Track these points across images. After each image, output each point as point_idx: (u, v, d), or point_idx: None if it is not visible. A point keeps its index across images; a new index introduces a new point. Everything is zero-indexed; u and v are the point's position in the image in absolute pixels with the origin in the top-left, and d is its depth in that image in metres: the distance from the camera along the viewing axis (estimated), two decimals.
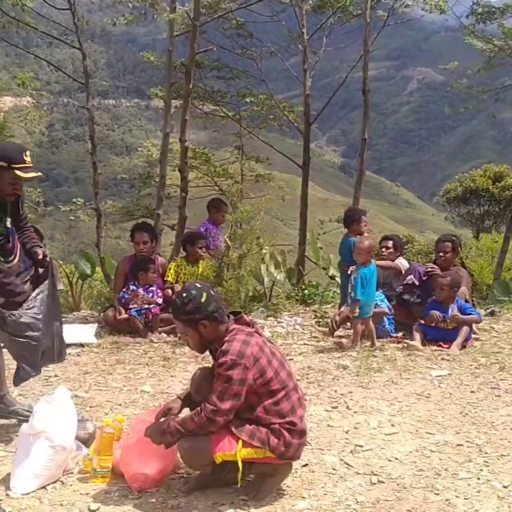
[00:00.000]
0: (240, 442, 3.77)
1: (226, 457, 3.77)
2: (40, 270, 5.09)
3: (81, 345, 7.40)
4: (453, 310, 7.56)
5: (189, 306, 3.87)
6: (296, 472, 4.21)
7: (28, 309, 4.82)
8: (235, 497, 3.89)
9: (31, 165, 4.80)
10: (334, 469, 4.36)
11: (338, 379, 6.34)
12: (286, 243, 14.83)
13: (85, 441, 4.54)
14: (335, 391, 5.97)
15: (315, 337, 7.97)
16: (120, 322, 7.93)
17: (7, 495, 3.89)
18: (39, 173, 4.92)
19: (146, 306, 7.98)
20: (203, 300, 3.87)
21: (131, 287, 8.11)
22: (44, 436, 4.06)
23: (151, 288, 8.12)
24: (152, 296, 8.06)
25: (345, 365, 6.71)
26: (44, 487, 4.01)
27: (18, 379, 4.89)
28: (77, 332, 7.75)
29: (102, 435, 4.19)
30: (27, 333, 4.74)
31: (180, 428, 3.81)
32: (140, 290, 8.01)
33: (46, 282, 5.00)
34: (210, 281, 7.70)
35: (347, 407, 5.57)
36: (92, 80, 12.42)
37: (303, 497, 3.96)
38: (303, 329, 8.36)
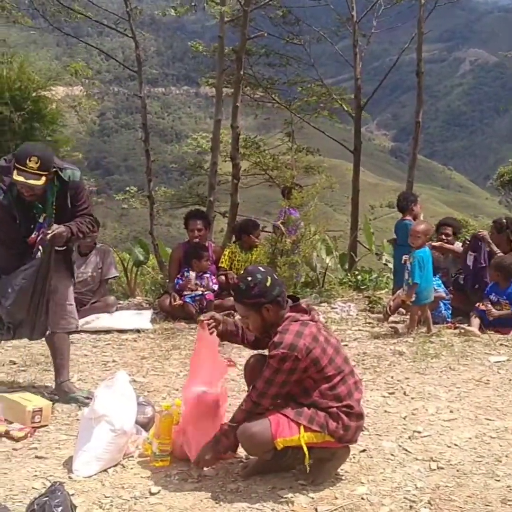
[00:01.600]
0: (302, 427, 3.78)
1: (287, 442, 3.78)
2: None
3: (137, 330, 7.51)
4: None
5: (254, 290, 3.87)
6: (353, 457, 4.20)
7: (9, 278, 5.04)
8: (294, 482, 3.91)
9: (33, 172, 4.82)
10: (392, 454, 4.35)
11: (394, 365, 6.30)
12: (336, 229, 14.77)
13: (145, 425, 4.60)
14: (392, 377, 5.94)
15: (369, 323, 7.93)
16: (174, 308, 8.01)
17: (70, 477, 3.97)
18: (35, 183, 4.87)
19: (200, 292, 8.04)
20: (268, 284, 3.87)
21: (185, 273, 8.18)
22: (105, 420, 4.12)
23: (205, 275, 8.18)
24: (207, 283, 8.12)
25: (401, 351, 6.67)
26: (105, 470, 4.08)
27: None
28: (133, 318, 7.88)
29: (161, 419, 4.24)
30: None
31: (231, 424, 3.88)
32: (192, 275, 8.06)
33: (39, 257, 5.08)
34: None
35: (404, 393, 5.53)
36: (143, 68, 12.48)
37: (362, 483, 3.95)
38: (357, 315, 8.33)
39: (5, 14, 13.94)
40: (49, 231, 4.95)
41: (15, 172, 4.81)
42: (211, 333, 4.14)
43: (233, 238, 9.35)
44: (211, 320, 4.17)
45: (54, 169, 4.97)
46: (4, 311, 5.06)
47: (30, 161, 4.79)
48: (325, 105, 16.49)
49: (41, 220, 5.13)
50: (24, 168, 4.79)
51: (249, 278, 3.91)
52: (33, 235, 5.12)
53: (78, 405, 5.13)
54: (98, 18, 14.47)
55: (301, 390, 3.85)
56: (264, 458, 3.91)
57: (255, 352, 4.40)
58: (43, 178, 4.87)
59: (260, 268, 4.05)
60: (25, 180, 4.81)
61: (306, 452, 3.77)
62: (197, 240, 8.32)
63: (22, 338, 5.41)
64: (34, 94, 10.66)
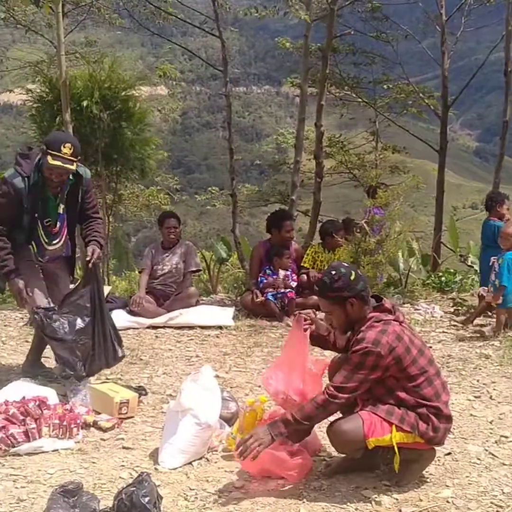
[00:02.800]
0: (394, 426, 3.74)
1: (379, 442, 3.74)
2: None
3: (219, 327, 7.60)
4: None
5: (338, 283, 3.86)
6: (438, 460, 4.13)
7: (64, 313, 5.12)
8: (378, 482, 3.87)
9: (67, 157, 5.01)
10: (478, 459, 4.26)
11: (480, 369, 6.18)
12: (417, 229, 14.54)
13: (228, 420, 4.64)
14: (477, 381, 5.83)
15: (454, 325, 7.78)
16: (256, 305, 8.05)
17: (155, 469, 4.05)
18: (71, 167, 5.07)
19: (282, 290, 8.07)
20: (352, 278, 3.87)
21: (267, 271, 8.22)
22: (190, 414, 4.17)
23: (286, 273, 8.19)
24: (288, 281, 8.13)
25: (488, 354, 6.52)
26: (190, 463, 4.14)
27: (61, 377, 5.17)
28: (215, 314, 7.97)
29: (245, 414, 4.28)
30: (59, 336, 5.06)
31: (295, 415, 3.76)
32: (281, 273, 8.09)
33: (89, 287, 5.20)
34: None
35: (491, 397, 5.42)
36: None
37: (447, 486, 3.88)
38: (441, 317, 8.19)
39: (99, 15, 14.32)
40: (88, 259, 5.19)
41: (49, 157, 4.99)
42: (305, 331, 4.13)
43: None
44: (309, 316, 4.16)
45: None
46: (67, 348, 5.11)
47: (64, 147, 5.00)
48: (413, 104, 16.24)
49: (61, 211, 5.36)
50: (59, 153, 4.99)
51: (333, 272, 3.91)
52: (56, 227, 5.37)
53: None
54: (183, 18, 14.66)
55: (385, 390, 3.81)
56: (353, 456, 3.88)
57: None
58: (75, 164, 5.10)
59: (344, 263, 4.06)
60: (62, 164, 5.02)
61: (397, 453, 3.73)
62: (289, 239, 8.38)
63: (98, 373, 5.46)
64: (123, 93, 10.91)
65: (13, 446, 4.20)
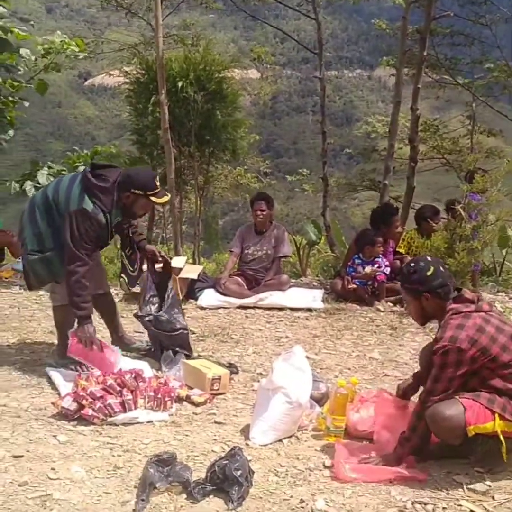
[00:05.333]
0: (497, 415, 3.68)
1: (480, 429, 3.67)
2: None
3: (309, 309, 7.59)
4: None
5: (414, 276, 3.90)
6: None
7: (168, 307, 5.45)
8: (470, 469, 3.80)
9: (160, 189, 5.14)
10: None
11: None
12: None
13: (318, 400, 4.66)
14: None
15: None
16: (347, 291, 8.00)
17: (246, 444, 4.09)
18: (169, 196, 5.29)
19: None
20: (429, 273, 3.86)
21: (356, 260, 8.12)
22: (281, 392, 4.20)
23: (376, 260, 8.07)
24: (379, 266, 8.02)
25: None
26: (280, 440, 4.17)
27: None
28: (305, 297, 7.96)
29: (337, 395, 4.26)
30: (176, 327, 5.40)
31: (407, 436, 3.81)
32: (367, 268, 7.99)
33: (170, 284, 5.60)
34: (441, 252, 7.52)
35: None
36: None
37: None
38: None
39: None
40: (161, 256, 5.56)
41: (153, 198, 5.08)
42: None
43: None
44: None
45: None
46: (187, 333, 5.60)
47: (157, 181, 5.14)
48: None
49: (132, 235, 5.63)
50: (157, 190, 5.09)
51: (412, 264, 3.95)
52: (135, 253, 5.66)
53: (141, 352, 5.65)
54: (279, 0, 14.62)
55: (480, 381, 3.75)
56: (452, 443, 3.81)
57: None
58: None
59: (428, 257, 4.03)
60: (168, 197, 5.24)
61: (503, 440, 3.66)
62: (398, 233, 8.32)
63: None
64: (217, 75, 10.98)
65: (110, 416, 4.32)
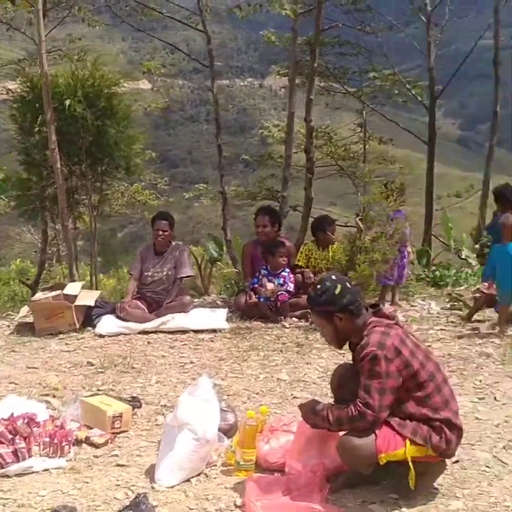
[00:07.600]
0: (408, 441, 3.59)
1: (391, 457, 3.59)
2: None
3: (213, 330, 7.41)
4: None
5: (322, 297, 3.80)
6: (447, 469, 3.97)
7: None
8: (385, 495, 3.73)
9: None
10: (487, 466, 4.13)
11: (481, 368, 6.05)
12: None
13: (227, 432, 4.49)
14: (480, 381, 5.70)
15: (452, 322, 7.65)
16: (250, 306, 7.87)
17: (152, 487, 3.88)
18: None
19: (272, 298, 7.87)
20: (337, 292, 3.78)
21: (262, 271, 8.02)
22: (188, 429, 4.02)
23: (282, 274, 7.99)
24: (284, 281, 7.93)
25: (489, 353, 6.39)
26: (188, 480, 3.97)
27: None
28: (209, 317, 7.77)
29: (246, 427, 4.11)
30: None
31: (330, 416, 3.68)
32: (269, 285, 7.88)
33: None
34: (342, 265, 7.51)
35: (495, 398, 5.30)
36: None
37: (457, 497, 3.75)
38: (438, 313, 8.04)
39: (75, 12, 14.03)
40: None
41: None
42: None
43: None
44: None
45: None
46: None
47: None
48: (398, 93, 16.13)
49: None
50: None
51: (319, 286, 3.86)
52: None
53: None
54: (166, 14, 14.42)
55: (396, 402, 3.66)
56: (364, 472, 3.72)
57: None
58: None
59: (333, 276, 3.94)
60: None
61: (412, 467, 3.59)
62: (263, 236, 8.21)
63: None
64: (106, 91, 10.66)
65: (2, 467, 4.01)
